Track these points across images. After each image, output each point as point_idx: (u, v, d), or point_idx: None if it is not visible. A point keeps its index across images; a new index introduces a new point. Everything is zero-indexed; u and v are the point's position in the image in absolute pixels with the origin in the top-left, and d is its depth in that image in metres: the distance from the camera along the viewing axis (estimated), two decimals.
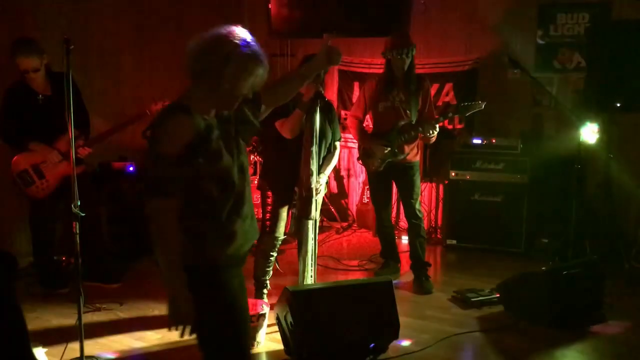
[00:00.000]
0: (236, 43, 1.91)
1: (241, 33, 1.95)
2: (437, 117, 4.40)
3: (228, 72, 1.90)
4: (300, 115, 3.53)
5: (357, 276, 4.78)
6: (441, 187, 5.92)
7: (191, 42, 1.95)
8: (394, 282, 3.37)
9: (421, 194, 4.85)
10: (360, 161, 4.67)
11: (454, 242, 5.52)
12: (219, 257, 2.00)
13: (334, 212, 6.36)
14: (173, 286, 1.89)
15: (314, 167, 3.50)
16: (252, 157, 5.53)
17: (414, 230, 4.50)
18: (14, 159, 4.04)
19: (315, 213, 3.63)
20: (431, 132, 4.20)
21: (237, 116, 2.09)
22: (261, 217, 4.93)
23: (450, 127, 5.98)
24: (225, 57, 1.89)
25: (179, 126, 1.87)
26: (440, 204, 5.96)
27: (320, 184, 3.68)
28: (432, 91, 5.20)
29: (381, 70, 4.50)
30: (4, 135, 4.05)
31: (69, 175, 2.99)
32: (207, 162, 1.90)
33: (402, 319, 3.28)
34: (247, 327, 2.17)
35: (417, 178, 4.48)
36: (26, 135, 4.03)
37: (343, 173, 6.65)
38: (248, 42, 1.94)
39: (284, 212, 3.81)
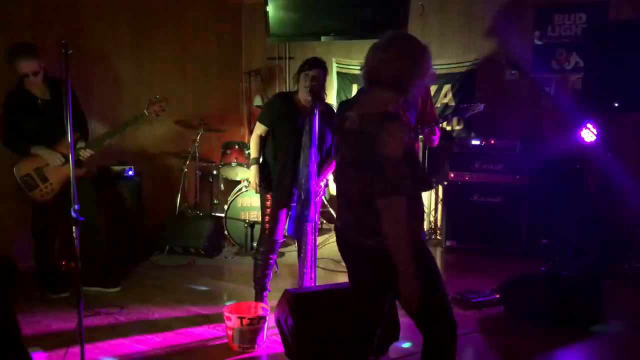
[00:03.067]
0: (419, 46, 2.20)
1: (411, 35, 2.26)
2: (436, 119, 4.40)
3: (418, 74, 2.18)
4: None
5: None
6: (440, 188, 5.92)
7: (374, 52, 2.23)
8: None
9: None
10: None
11: (454, 243, 5.53)
12: (420, 234, 2.37)
13: (334, 214, 6.36)
14: (408, 269, 2.09)
15: (313, 169, 3.51)
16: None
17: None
18: (17, 163, 4.04)
19: (315, 215, 3.64)
20: (431, 135, 4.18)
21: None
22: (260, 219, 4.94)
23: (448, 128, 5.99)
24: (416, 61, 2.17)
25: (400, 131, 2.11)
26: (440, 205, 5.96)
27: (319, 186, 3.69)
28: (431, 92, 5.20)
29: None
30: (6, 140, 4.05)
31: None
32: (410, 159, 2.17)
33: (403, 321, 3.27)
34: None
35: None
36: (28, 140, 4.03)
37: None
38: (424, 44, 2.22)
39: (283, 215, 3.82)
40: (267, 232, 3.83)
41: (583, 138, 4.70)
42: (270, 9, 5.79)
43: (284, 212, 3.81)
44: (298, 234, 3.76)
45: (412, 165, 2.17)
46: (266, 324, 3.44)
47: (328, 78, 3.80)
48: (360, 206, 2.25)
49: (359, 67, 6.32)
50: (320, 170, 3.74)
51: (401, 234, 2.09)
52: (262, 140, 3.86)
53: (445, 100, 6.00)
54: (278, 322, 3.29)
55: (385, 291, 2.34)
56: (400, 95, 2.21)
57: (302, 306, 3.07)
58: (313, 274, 3.67)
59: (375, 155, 2.10)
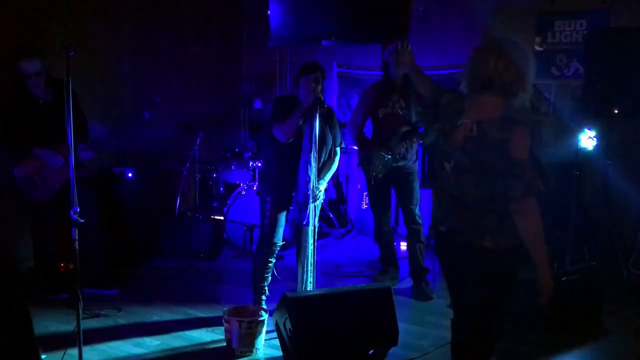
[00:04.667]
0: (528, 52, 2.30)
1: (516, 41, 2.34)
2: None
3: (530, 79, 2.27)
4: (296, 121, 3.55)
5: (356, 282, 4.78)
6: None
7: (486, 57, 2.28)
8: (393, 288, 3.37)
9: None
10: (360, 167, 4.68)
11: None
12: None
13: (333, 218, 6.36)
14: (546, 260, 2.40)
15: (312, 173, 3.51)
16: (251, 162, 5.54)
17: (413, 236, 4.50)
18: (17, 164, 4.04)
19: (314, 219, 3.64)
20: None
21: None
22: (260, 222, 4.94)
23: None
24: (528, 67, 2.26)
25: (526, 134, 2.24)
26: None
27: (320, 190, 3.69)
28: None
29: (380, 77, 4.52)
30: (7, 140, 4.05)
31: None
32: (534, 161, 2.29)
33: (401, 325, 3.28)
34: None
35: (417, 184, 4.49)
36: (29, 140, 4.03)
37: (342, 179, 6.65)
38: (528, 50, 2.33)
39: (282, 218, 3.82)
40: (266, 235, 3.83)
41: (583, 144, 4.70)
42: (271, 12, 5.80)
43: (283, 215, 3.81)
44: (297, 238, 3.76)
45: (536, 166, 2.27)
46: (264, 328, 3.44)
47: (328, 82, 3.81)
48: (481, 210, 2.31)
49: (359, 71, 6.33)
50: (321, 173, 3.75)
51: (540, 231, 2.28)
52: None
53: None
54: (277, 326, 3.29)
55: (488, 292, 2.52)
56: (510, 99, 2.27)
57: (300, 310, 3.07)
58: (312, 278, 3.67)
59: (503, 160, 2.18)
